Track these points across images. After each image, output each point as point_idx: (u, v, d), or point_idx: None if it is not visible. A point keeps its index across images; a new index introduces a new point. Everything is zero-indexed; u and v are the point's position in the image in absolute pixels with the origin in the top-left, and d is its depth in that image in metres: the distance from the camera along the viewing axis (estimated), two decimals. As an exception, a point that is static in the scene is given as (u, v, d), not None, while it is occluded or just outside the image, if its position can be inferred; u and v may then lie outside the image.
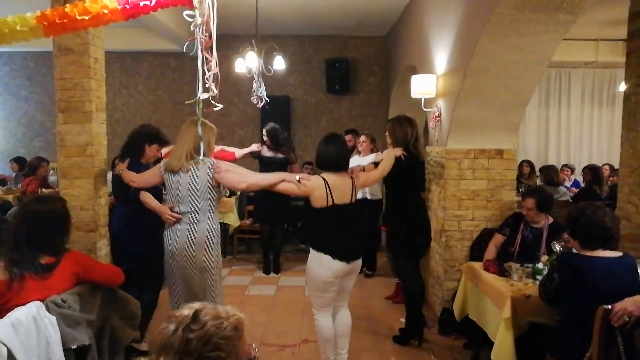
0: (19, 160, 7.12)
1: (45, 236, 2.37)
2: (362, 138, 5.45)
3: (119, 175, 3.36)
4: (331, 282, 3.02)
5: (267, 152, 5.45)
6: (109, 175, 3.85)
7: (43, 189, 5.76)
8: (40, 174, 6.09)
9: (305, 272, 3.15)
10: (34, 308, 2.17)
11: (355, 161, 5.33)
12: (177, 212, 3.00)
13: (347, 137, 5.95)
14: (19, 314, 2.11)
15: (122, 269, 2.71)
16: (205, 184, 2.97)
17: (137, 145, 3.59)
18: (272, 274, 5.62)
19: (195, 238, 2.98)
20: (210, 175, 2.96)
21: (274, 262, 5.69)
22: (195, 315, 1.18)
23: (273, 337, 3.92)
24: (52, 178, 6.49)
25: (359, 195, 3.83)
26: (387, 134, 3.94)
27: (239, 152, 5.00)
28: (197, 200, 2.98)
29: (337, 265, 2.97)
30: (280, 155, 5.46)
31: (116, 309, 2.69)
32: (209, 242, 3.01)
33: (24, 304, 2.17)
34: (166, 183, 3.08)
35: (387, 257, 5.08)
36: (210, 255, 3.02)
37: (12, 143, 8.21)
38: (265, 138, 5.52)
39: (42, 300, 2.24)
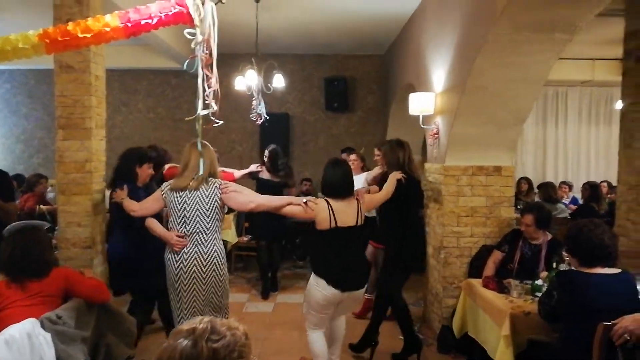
0: (17, 178, 7.11)
1: (42, 252, 2.56)
2: (353, 157, 5.43)
3: (119, 203, 3.34)
4: (324, 306, 3.06)
5: (265, 175, 5.36)
6: (108, 192, 3.85)
7: (41, 206, 5.74)
8: (39, 190, 6.07)
9: (305, 289, 3.20)
10: (29, 325, 2.16)
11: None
12: (183, 233, 2.97)
13: (344, 156, 5.96)
14: (13, 330, 2.10)
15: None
16: (214, 204, 2.97)
17: (127, 170, 3.62)
18: (270, 292, 5.57)
19: (205, 260, 2.96)
20: (219, 195, 2.97)
21: (271, 279, 5.64)
22: (213, 326, 1.19)
23: (271, 355, 3.88)
24: (50, 195, 6.46)
25: None
26: (376, 157, 4.25)
27: (237, 173, 4.92)
28: (206, 221, 2.97)
29: (331, 292, 2.99)
30: (276, 180, 5.40)
31: (112, 325, 2.67)
32: (220, 262, 3.02)
33: (23, 299, 2.37)
34: (171, 204, 3.02)
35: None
36: (220, 275, 3.03)
37: (11, 160, 8.21)
38: (265, 159, 5.47)
39: (39, 295, 2.41)
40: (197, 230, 2.96)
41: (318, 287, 3.01)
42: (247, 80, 5.08)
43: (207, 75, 1.93)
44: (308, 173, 7.56)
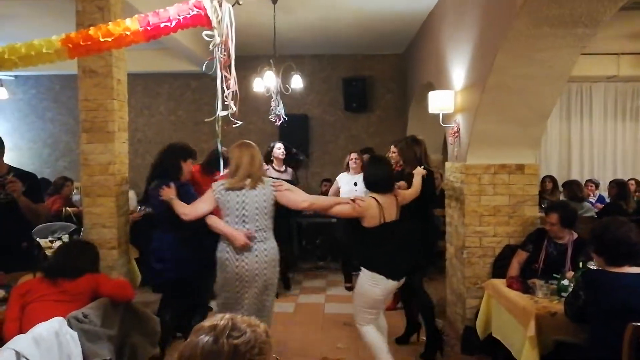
0: (43, 182, 7.27)
1: (87, 262, 2.77)
2: (354, 155, 5.47)
3: (169, 201, 3.22)
4: (381, 300, 3.21)
5: (273, 173, 5.26)
6: (131, 193, 3.91)
7: (67, 208, 5.87)
8: (65, 193, 6.22)
9: (355, 290, 3.28)
10: (56, 323, 2.21)
11: (345, 179, 5.44)
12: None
13: (365, 157, 5.95)
14: (41, 329, 2.15)
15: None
16: (270, 202, 3.06)
17: (173, 165, 3.50)
18: (292, 292, 5.58)
19: (266, 256, 3.03)
20: (274, 193, 3.05)
21: (282, 280, 5.60)
22: (234, 322, 1.21)
23: (292, 356, 3.88)
24: (75, 197, 6.61)
25: None
26: (391, 153, 4.29)
27: None
28: (265, 219, 3.05)
29: (389, 284, 3.14)
30: (285, 177, 5.33)
31: (137, 325, 2.71)
32: (276, 259, 3.11)
33: (53, 293, 2.49)
34: (227, 204, 3.02)
35: None
36: (275, 273, 3.12)
37: (38, 163, 8.42)
38: (280, 154, 5.44)
39: (69, 293, 2.52)
40: (257, 229, 3.01)
41: (375, 283, 3.10)
42: (265, 82, 5.11)
43: (225, 77, 1.95)
44: (328, 174, 7.55)
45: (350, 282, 5.50)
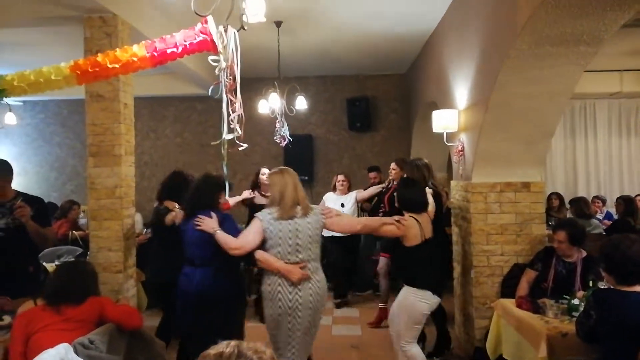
0: (50, 206, 7.32)
1: (88, 283, 2.68)
2: (342, 177, 5.62)
3: (210, 233, 2.95)
4: (426, 315, 3.34)
5: (260, 200, 5.09)
6: (137, 216, 3.92)
7: (74, 232, 5.89)
8: (72, 216, 6.24)
9: (397, 308, 3.34)
10: (62, 350, 2.19)
11: (332, 199, 5.59)
12: (296, 262, 2.86)
13: (372, 175, 5.96)
14: (47, 356, 2.13)
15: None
16: (320, 230, 2.98)
17: (210, 197, 3.19)
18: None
19: (319, 288, 2.92)
20: (323, 221, 3.00)
21: None
22: (240, 350, 1.19)
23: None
24: (82, 221, 6.63)
25: (327, 233, 4.08)
26: (392, 170, 4.86)
27: (232, 200, 4.60)
28: (316, 248, 2.97)
29: (435, 300, 3.31)
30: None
31: (142, 350, 2.68)
32: (326, 290, 3.01)
33: (59, 322, 2.43)
34: (278, 234, 2.86)
35: (381, 282, 5.10)
36: (325, 302, 3.05)
37: (45, 187, 8.48)
38: (266, 180, 5.31)
39: (73, 320, 2.46)
40: (309, 258, 2.90)
41: (424, 300, 3.23)
42: (270, 104, 5.16)
43: (231, 100, 1.96)
44: (332, 193, 7.55)
45: (340, 297, 5.70)
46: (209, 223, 2.97)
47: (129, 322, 2.62)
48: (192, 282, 3.04)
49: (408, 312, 3.26)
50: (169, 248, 3.59)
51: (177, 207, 3.55)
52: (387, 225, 3.23)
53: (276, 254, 2.86)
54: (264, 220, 2.90)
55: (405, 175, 4.38)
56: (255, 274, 5.24)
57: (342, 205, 5.42)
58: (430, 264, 3.30)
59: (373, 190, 5.50)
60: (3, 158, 3.61)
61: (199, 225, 2.98)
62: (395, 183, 5.05)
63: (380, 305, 4.97)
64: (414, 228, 3.25)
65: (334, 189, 5.69)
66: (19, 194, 3.39)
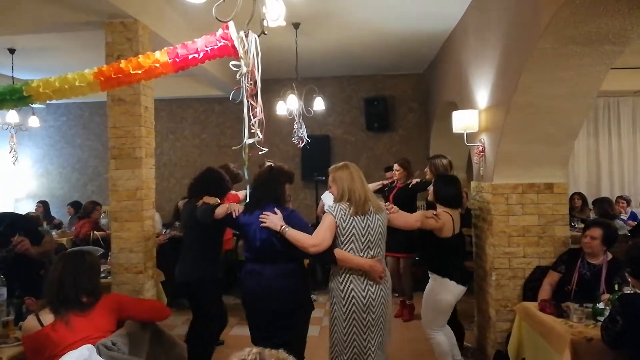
0: (75, 205, 7.49)
1: (89, 279, 2.48)
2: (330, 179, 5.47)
3: (276, 230, 2.83)
4: (452, 304, 3.53)
5: None
6: (157, 216, 3.96)
7: (95, 232, 5.99)
8: (94, 217, 6.35)
9: (425, 298, 3.56)
10: (86, 351, 2.22)
11: (330, 198, 5.37)
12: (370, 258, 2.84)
13: (389, 174, 5.94)
14: (70, 358, 2.16)
15: None
16: (386, 225, 2.96)
17: (280, 190, 3.06)
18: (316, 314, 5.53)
19: (387, 282, 2.90)
20: (388, 217, 3.00)
21: None
22: (262, 356, 1.22)
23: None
24: (103, 221, 6.74)
25: None
26: (395, 171, 5.17)
27: (242, 194, 4.65)
28: (384, 244, 2.94)
29: (461, 289, 3.50)
30: None
31: (164, 351, 2.71)
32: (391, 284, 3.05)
33: (74, 343, 2.25)
34: (351, 230, 2.82)
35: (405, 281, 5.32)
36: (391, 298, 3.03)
37: (67, 188, 8.65)
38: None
39: (90, 338, 2.31)
40: (380, 254, 2.88)
41: (450, 289, 3.45)
42: (288, 105, 5.17)
43: (252, 105, 1.97)
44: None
45: None
46: (274, 220, 2.85)
47: (159, 316, 2.62)
48: (261, 280, 2.91)
49: (438, 302, 3.46)
50: (206, 244, 3.57)
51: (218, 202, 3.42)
52: (429, 218, 3.42)
53: (349, 250, 2.81)
54: (337, 216, 2.83)
55: (432, 173, 4.46)
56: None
57: None
58: (458, 255, 3.60)
59: (372, 186, 5.38)
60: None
61: (263, 223, 2.86)
62: (399, 182, 5.19)
63: (407, 301, 5.32)
64: (449, 222, 3.47)
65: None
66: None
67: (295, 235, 2.80)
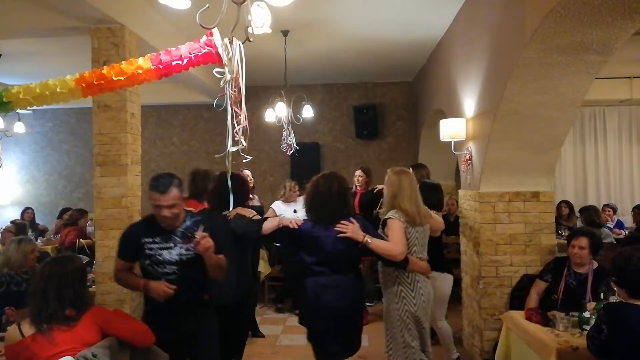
0: (65, 211, 7.33)
1: (73, 291, 2.36)
2: (292, 184, 5.44)
3: (358, 239, 2.75)
4: (449, 294, 3.95)
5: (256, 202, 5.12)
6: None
7: (81, 239, 5.91)
8: (80, 225, 6.28)
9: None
10: (66, 363, 2.17)
11: (282, 208, 5.40)
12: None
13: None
14: (50, 369, 2.11)
15: None
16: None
17: (347, 200, 2.97)
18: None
19: (430, 287, 3.14)
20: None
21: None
22: None
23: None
24: (89, 229, 6.66)
25: None
26: (359, 177, 5.32)
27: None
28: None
29: (452, 278, 3.93)
30: (257, 203, 5.24)
31: (146, 362, 2.65)
32: None
33: (54, 355, 2.18)
34: (415, 234, 2.99)
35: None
36: None
37: (54, 195, 8.54)
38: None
39: (71, 350, 2.23)
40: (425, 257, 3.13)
41: (448, 280, 3.85)
42: (277, 112, 5.15)
43: (236, 112, 1.95)
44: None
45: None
46: (355, 230, 2.76)
47: (143, 341, 2.48)
48: (344, 292, 2.80)
49: (438, 296, 3.61)
50: (245, 261, 3.24)
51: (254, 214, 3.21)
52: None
53: (413, 253, 2.98)
54: (403, 222, 2.90)
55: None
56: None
57: (295, 211, 5.23)
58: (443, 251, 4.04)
59: None
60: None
61: (344, 232, 2.75)
62: (359, 189, 5.35)
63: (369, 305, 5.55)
64: (439, 223, 3.61)
65: (284, 198, 5.41)
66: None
67: (380, 244, 2.79)
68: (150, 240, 2.53)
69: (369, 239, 2.76)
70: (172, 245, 2.53)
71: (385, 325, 3.10)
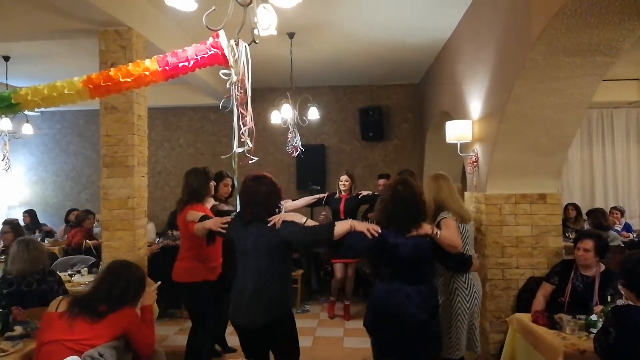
0: (30, 213, 7.57)
1: (120, 294, 2.53)
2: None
3: (435, 235, 2.69)
4: None
5: (225, 207, 4.73)
6: (150, 225, 3.91)
7: (87, 241, 5.95)
8: (87, 226, 6.32)
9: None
10: (73, 361, 2.19)
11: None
12: None
13: (381, 182, 5.94)
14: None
15: None
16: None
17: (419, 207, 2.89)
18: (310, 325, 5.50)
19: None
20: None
21: None
22: None
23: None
24: (96, 230, 6.70)
25: None
26: (345, 182, 5.34)
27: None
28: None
29: None
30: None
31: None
32: None
33: (66, 341, 2.32)
34: (466, 233, 3.33)
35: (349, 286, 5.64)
36: None
37: (62, 196, 8.60)
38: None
39: (81, 341, 2.35)
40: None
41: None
42: (282, 114, 5.16)
43: (242, 114, 1.96)
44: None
45: None
46: (426, 226, 2.71)
47: (146, 352, 2.58)
48: (426, 303, 2.70)
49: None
50: (288, 273, 2.81)
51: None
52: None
53: (466, 251, 3.23)
54: (458, 221, 3.13)
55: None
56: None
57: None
58: None
59: (307, 200, 5.23)
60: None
61: (423, 232, 2.68)
62: (343, 193, 5.42)
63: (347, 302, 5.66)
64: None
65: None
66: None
67: (447, 235, 2.72)
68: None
69: (438, 231, 2.71)
70: None
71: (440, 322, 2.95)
